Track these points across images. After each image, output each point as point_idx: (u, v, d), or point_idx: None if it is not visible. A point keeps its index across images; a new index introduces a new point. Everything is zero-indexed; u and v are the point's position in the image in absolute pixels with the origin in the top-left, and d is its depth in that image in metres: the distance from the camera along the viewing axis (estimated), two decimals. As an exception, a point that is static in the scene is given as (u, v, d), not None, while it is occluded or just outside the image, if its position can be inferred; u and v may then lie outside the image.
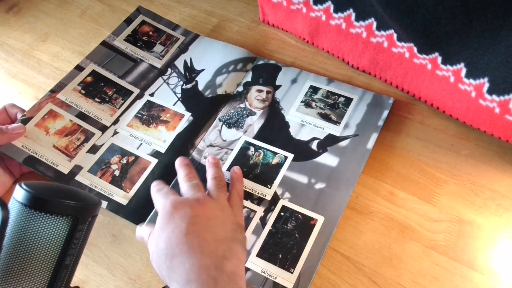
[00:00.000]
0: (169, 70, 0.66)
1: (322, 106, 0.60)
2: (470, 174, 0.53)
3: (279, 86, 0.63)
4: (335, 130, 0.58)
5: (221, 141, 0.59)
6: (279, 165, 0.56)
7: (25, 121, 0.59)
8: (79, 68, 0.65)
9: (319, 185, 0.53)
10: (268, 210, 0.52)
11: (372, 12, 0.55)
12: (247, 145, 0.58)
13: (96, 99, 0.63)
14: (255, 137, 0.58)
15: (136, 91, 0.64)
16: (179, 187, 0.55)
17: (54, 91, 0.62)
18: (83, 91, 0.63)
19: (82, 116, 0.61)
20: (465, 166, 0.54)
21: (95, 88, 0.64)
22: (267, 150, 0.57)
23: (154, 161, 0.57)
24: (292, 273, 0.48)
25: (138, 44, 0.68)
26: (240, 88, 0.64)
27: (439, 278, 0.47)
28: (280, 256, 0.49)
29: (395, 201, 0.52)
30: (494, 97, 0.48)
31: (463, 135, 0.57)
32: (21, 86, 0.68)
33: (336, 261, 0.49)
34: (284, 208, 0.52)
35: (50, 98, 0.61)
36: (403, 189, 0.53)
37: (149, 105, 0.63)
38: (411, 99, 0.61)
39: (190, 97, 0.63)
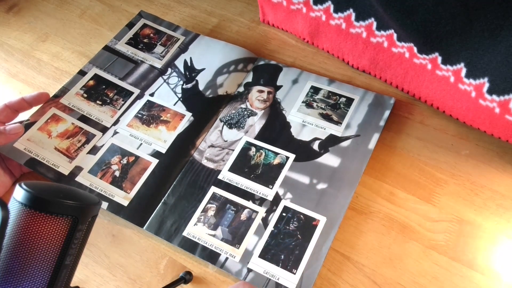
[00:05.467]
0: (169, 70, 0.66)
1: (323, 107, 0.60)
2: (470, 174, 0.54)
3: (280, 86, 0.63)
4: (337, 130, 0.58)
5: (222, 142, 0.59)
6: (281, 166, 0.56)
7: (28, 126, 0.59)
8: (82, 73, 0.65)
9: (321, 186, 0.53)
10: (270, 211, 0.52)
11: (372, 12, 0.55)
12: (248, 145, 0.58)
13: (98, 101, 0.63)
14: (256, 138, 0.58)
15: (136, 91, 0.64)
16: (179, 188, 0.55)
17: (57, 96, 0.63)
18: (85, 95, 0.63)
19: (83, 118, 0.61)
20: (465, 166, 0.54)
21: (97, 91, 0.64)
22: (269, 150, 0.57)
23: (154, 162, 0.57)
24: (294, 274, 0.48)
25: (139, 47, 0.68)
26: (241, 89, 0.64)
27: (439, 278, 0.47)
28: (283, 257, 0.49)
29: (395, 201, 0.52)
30: (494, 97, 0.48)
31: (463, 135, 0.57)
32: (21, 86, 0.68)
33: (336, 261, 0.49)
34: (286, 209, 0.52)
35: (53, 103, 0.62)
36: (403, 189, 0.53)
37: (149, 105, 0.62)
38: (411, 99, 0.61)
39: (191, 97, 0.63)
